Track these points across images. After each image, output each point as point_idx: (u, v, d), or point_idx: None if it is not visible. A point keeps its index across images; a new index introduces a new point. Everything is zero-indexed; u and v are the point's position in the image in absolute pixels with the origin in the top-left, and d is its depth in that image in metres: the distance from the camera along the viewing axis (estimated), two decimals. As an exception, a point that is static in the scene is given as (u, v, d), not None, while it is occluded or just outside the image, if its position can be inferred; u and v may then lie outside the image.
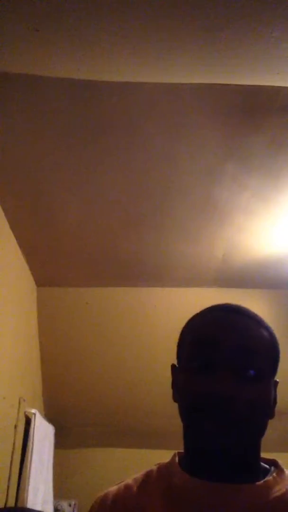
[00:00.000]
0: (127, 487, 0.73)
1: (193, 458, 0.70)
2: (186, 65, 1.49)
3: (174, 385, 0.75)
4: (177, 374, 0.75)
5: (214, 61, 1.46)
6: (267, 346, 0.71)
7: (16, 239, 2.47)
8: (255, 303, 2.98)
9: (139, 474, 0.76)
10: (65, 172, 2.06)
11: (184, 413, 0.69)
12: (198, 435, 0.66)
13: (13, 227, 2.37)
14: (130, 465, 3.07)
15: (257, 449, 0.70)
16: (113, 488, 0.75)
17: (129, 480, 0.75)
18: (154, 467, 0.76)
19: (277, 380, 0.72)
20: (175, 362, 0.77)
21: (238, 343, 0.68)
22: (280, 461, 0.73)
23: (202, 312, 0.76)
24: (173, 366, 0.77)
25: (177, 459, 0.74)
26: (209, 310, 0.75)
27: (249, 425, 0.65)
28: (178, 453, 0.75)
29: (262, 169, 1.99)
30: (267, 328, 0.73)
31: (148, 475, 0.74)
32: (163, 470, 0.74)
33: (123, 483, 0.75)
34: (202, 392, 0.65)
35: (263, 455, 0.72)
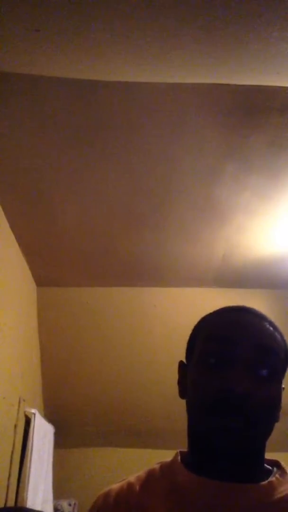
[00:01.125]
0: (130, 485, 0.72)
1: (199, 456, 0.70)
2: (186, 65, 1.49)
3: (182, 381, 0.75)
4: (186, 370, 0.75)
5: (214, 61, 1.46)
6: (280, 348, 0.71)
7: (16, 239, 2.47)
8: (255, 303, 2.97)
9: (141, 472, 0.76)
10: (65, 172, 2.06)
11: (195, 409, 0.69)
12: (209, 431, 0.65)
13: (13, 227, 2.37)
14: (130, 465, 3.07)
15: (262, 449, 0.70)
16: (115, 486, 0.74)
17: (131, 478, 0.74)
18: (157, 466, 0.76)
19: (284, 386, 0.72)
20: (181, 359, 0.77)
21: (254, 342, 0.68)
22: (282, 462, 0.73)
23: (218, 311, 0.76)
24: (181, 362, 0.77)
25: (179, 458, 0.74)
26: (225, 309, 0.76)
27: (261, 424, 0.65)
28: (181, 451, 0.75)
29: (262, 169, 2.00)
30: (280, 333, 0.74)
31: (150, 474, 0.74)
32: (166, 468, 0.74)
33: (125, 481, 0.74)
34: (217, 388, 0.65)
35: (265, 455, 0.72)
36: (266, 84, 1.57)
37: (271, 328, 0.72)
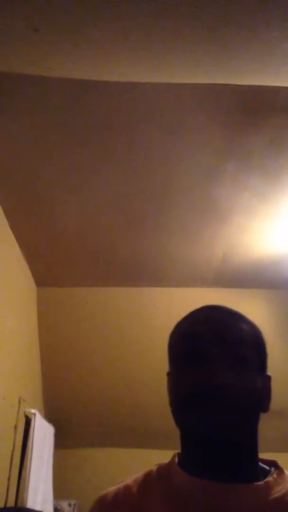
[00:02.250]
0: (127, 488, 0.73)
1: (190, 456, 0.70)
2: (186, 65, 1.49)
3: (169, 390, 0.76)
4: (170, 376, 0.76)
5: (214, 61, 1.46)
6: (249, 338, 0.72)
7: (16, 239, 2.47)
8: (255, 303, 2.98)
9: (139, 474, 0.76)
10: (65, 172, 2.06)
11: (177, 410, 0.70)
12: (191, 428, 0.67)
13: (13, 227, 2.37)
14: (130, 465, 3.07)
15: (252, 445, 0.70)
16: (113, 489, 0.75)
17: (128, 481, 0.75)
18: (154, 468, 0.76)
19: (269, 374, 0.74)
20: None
21: (220, 336, 0.70)
22: (279, 462, 0.73)
23: (188, 315, 0.78)
24: (168, 373, 0.78)
25: (176, 459, 0.74)
26: (191, 312, 0.78)
27: (240, 413, 0.66)
28: (178, 453, 0.75)
29: (262, 169, 2.00)
30: (248, 323, 0.75)
31: (148, 476, 0.74)
32: (163, 470, 0.74)
33: (122, 484, 0.75)
34: (192, 385, 0.67)
35: (264, 455, 0.72)
36: (266, 84, 1.57)
37: (238, 321, 0.74)
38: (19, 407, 2.42)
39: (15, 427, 2.36)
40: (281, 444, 2.75)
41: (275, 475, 0.69)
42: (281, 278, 2.86)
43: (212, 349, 0.68)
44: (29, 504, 2.25)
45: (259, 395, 0.70)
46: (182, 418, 0.69)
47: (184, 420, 0.69)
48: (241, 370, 0.67)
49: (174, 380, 0.72)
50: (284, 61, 1.43)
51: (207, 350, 0.68)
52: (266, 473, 0.70)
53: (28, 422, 2.51)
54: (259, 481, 0.67)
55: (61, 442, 3.11)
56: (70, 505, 3.08)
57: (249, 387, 0.68)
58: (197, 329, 0.73)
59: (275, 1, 1.20)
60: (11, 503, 2.17)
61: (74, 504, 3.11)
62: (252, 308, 3.01)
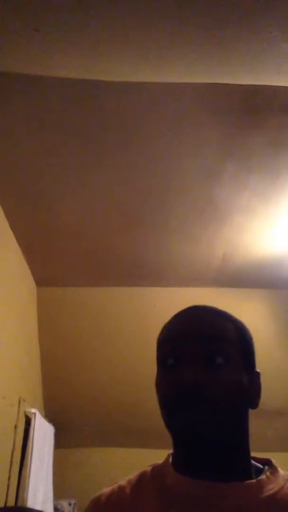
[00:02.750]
0: (121, 488, 0.73)
1: (180, 456, 0.71)
2: (186, 65, 1.49)
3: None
4: None
5: (214, 61, 1.46)
6: (232, 335, 0.72)
7: (16, 239, 2.47)
8: (255, 303, 2.99)
9: (133, 475, 0.76)
10: (65, 172, 2.06)
11: (162, 412, 0.71)
12: (177, 428, 0.67)
13: (13, 227, 2.38)
14: (130, 465, 3.06)
15: (242, 442, 0.70)
16: (107, 490, 0.75)
17: (122, 482, 0.75)
18: (148, 468, 0.77)
19: (258, 371, 0.73)
20: None
21: (199, 333, 0.70)
22: (274, 460, 0.73)
23: (171, 318, 0.78)
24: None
25: (170, 459, 0.74)
26: (176, 314, 0.78)
27: (222, 411, 0.65)
28: (172, 453, 0.75)
29: (262, 169, 2.00)
30: (232, 320, 0.74)
31: (141, 476, 0.75)
32: (157, 470, 0.74)
33: (116, 485, 0.75)
34: (171, 385, 0.67)
35: (264, 455, 0.72)
36: (266, 84, 1.57)
37: (218, 318, 0.73)
38: (19, 407, 2.42)
39: (15, 427, 2.36)
40: (281, 444, 2.75)
41: (268, 473, 0.68)
42: (281, 278, 2.86)
43: (190, 348, 0.68)
44: (29, 504, 2.25)
45: (244, 393, 0.69)
46: (166, 420, 0.69)
47: (168, 422, 0.69)
48: (221, 369, 0.67)
49: (157, 381, 0.73)
50: (284, 61, 1.43)
51: (185, 350, 0.68)
52: (260, 472, 0.70)
53: (28, 422, 2.51)
54: (252, 479, 0.67)
55: (61, 442, 3.11)
56: (70, 504, 3.09)
57: (232, 382, 0.67)
58: (176, 330, 0.73)
59: (275, 1, 1.20)
60: (11, 502, 2.17)
61: (74, 504, 3.11)
62: (252, 308, 3.02)
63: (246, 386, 0.69)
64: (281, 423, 2.89)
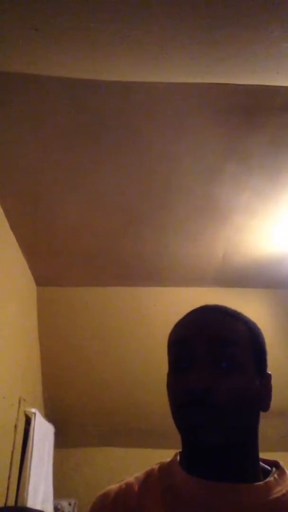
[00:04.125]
0: (128, 486, 0.73)
1: (189, 457, 0.70)
2: (186, 65, 1.49)
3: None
4: None
5: (214, 61, 1.46)
6: (243, 338, 0.70)
7: (16, 239, 2.47)
8: (255, 303, 2.99)
9: (140, 473, 0.76)
10: (65, 172, 2.06)
11: (172, 414, 0.70)
12: (186, 432, 0.67)
13: (13, 227, 2.38)
14: (130, 465, 3.07)
15: (252, 445, 0.70)
16: (114, 487, 0.75)
17: (130, 479, 0.75)
18: (156, 466, 0.76)
19: (269, 373, 0.72)
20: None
21: (209, 337, 0.68)
22: (281, 462, 0.72)
23: (182, 317, 0.77)
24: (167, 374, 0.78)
25: (178, 458, 0.74)
26: (188, 313, 0.77)
27: (230, 415, 0.65)
28: (179, 452, 0.75)
29: (262, 169, 2.00)
30: (244, 322, 0.73)
31: (149, 474, 0.75)
32: (164, 469, 0.74)
33: (124, 482, 0.75)
34: (182, 389, 0.66)
35: (264, 455, 0.72)
36: (266, 84, 1.57)
37: (230, 320, 0.72)
38: (19, 407, 2.42)
39: (15, 426, 2.36)
40: (281, 443, 2.75)
41: (276, 475, 0.68)
42: (281, 278, 2.86)
43: (201, 351, 0.67)
44: (29, 504, 2.25)
45: (256, 395, 0.69)
46: (177, 422, 0.69)
47: (179, 424, 0.69)
48: (231, 373, 0.66)
49: (168, 384, 0.72)
50: (284, 61, 1.43)
51: (194, 354, 0.67)
52: (267, 473, 0.70)
53: (28, 421, 2.51)
54: (260, 481, 0.67)
55: (61, 442, 3.11)
56: (70, 504, 3.08)
57: (242, 387, 0.66)
58: (187, 332, 0.71)
59: (275, 1, 1.20)
60: (11, 502, 2.17)
61: (74, 503, 3.11)
62: (252, 308, 3.02)
63: (257, 390, 0.69)
64: (281, 423, 2.89)
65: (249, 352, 0.70)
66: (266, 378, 0.71)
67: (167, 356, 0.77)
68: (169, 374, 0.73)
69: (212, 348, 0.67)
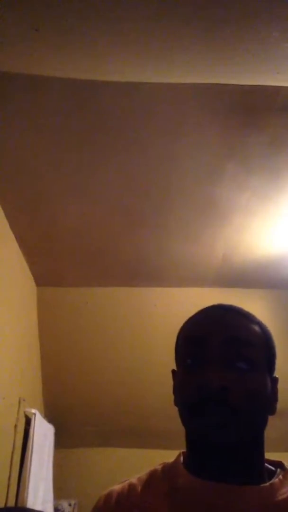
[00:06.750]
0: (131, 486, 0.72)
1: (196, 458, 0.70)
2: (186, 65, 1.49)
3: (174, 389, 0.75)
4: (175, 377, 0.75)
5: (214, 61, 1.46)
6: (258, 339, 0.71)
7: (16, 239, 2.47)
8: (255, 303, 2.98)
9: (143, 473, 0.75)
10: (65, 172, 2.06)
11: (182, 412, 0.69)
12: (197, 431, 0.66)
13: (13, 227, 2.37)
14: (130, 465, 3.07)
15: (259, 446, 0.70)
16: (117, 487, 0.74)
17: (133, 479, 0.74)
18: (159, 467, 0.76)
19: (277, 376, 0.72)
20: (175, 367, 0.77)
21: (226, 336, 0.68)
22: (286, 463, 0.72)
23: (194, 314, 0.77)
24: (173, 371, 0.77)
25: (181, 459, 0.74)
26: (201, 310, 0.76)
27: (245, 416, 0.64)
28: (183, 452, 0.75)
29: (262, 169, 2.00)
30: (258, 324, 0.73)
31: (152, 475, 0.74)
32: (168, 470, 0.74)
33: (127, 482, 0.74)
34: (196, 388, 0.65)
35: (266, 455, 0.72)
36: (266, 84, 1.56)
37: (245, 321, 0.72)
38: (19, 407, 2.42)
39: (15, 427, 2.35)
40: (281, 444, 2.75)
41: (280, 477, 0.68)
42: (281, 278, 2.86)
43: (218, 350, 0.67)
44: (29, 504, 2.25)
45: (267, 399, 0.69)
46: (188, 421, 0.68)
47: (190, 423, 0.68)
48: (247, 374, 0.66)
49: (179, 381, 0.71)
50: (284, 62, 1.42)
51: (211, 353, 0.67)
52: (272, 474, 0.69)
53: (28, 422, 2.51)
54: (265, 482, 0.66)
55: (61, 442, 3.11)
56: (70, 504, 3.08)
57: (257, 389, 0.66)
58: (204, 330, 0.70)
59: (275, 1, 1.20)
60: (11, 503, 2.17)
61: (74, 504, 3.11)
62: (252, 308, 3.00)
63: (269, 392, 0.69)
64: (281, 423, 2.89)
65: (263, 354, 0.70)
66: (274, 382, 0.71)
67: (175, 352, 0.76)
68: (178, 371, 0.72)
69: (229, 348, 0.67)
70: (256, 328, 0.72)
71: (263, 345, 0.71)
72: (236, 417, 0.63)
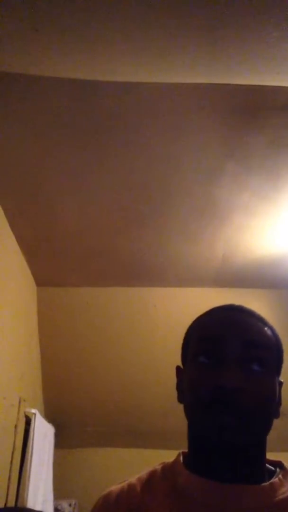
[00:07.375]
0: (131, 486, 0.72)
1: (199, 457, 0.70)
2: (186, 65, 1.49)
3: (179, 386, 0.75)
4: (182, 374, 0.75)
5: (214, 61, 1.46)
6: (271, 343, 0.72)
7: (16, 239, 2.47)
8: (255, 303, 2.98)
9: (143, 473, 0.75)
10: (65, 172, 2.06)
11: (191, 410, 0.69)
12: (207, 430, 0.65)
13: (13, 227, 2.37)
14: (130, 465, 3.07)
15: (262, 448, 0.70)
16: (116, 487, 0.74)
17: (133, 479, 0.74)
18: (158, 467, 0.76)
19: (282, 381, 0.73)
20: (178, 364, 0.77)
21: (243, 339, 0.69)
22: (286, 463, 0.72)
23: (209, 311, 0.77)
24: (177, 368, 0.77)
25: (181, 458, 0.73)
26: (216, 309, 0.77)
27: (257, 418, 0.65)
28: (183, 452, 0.75)
29: (262, 169, 1.99)
30: (270, 328, 0.75)
31: (152, 475, 0.74)
32: (168, 469, 0.74)
33: (126, 482, 0.74)
34: (210, 387, 0.65)
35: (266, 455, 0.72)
36: (266, 84, 1.56)
37: (260, 324, 0.73)
38: (19, 407, 2.42)
39: (15, 427, 2.35)
40: (281, 444, 2.75)
41: (280, 476, 0.68)
42: (281, 278, 2.86)
43: (234, 351, 0.67)
44: (29, 504, 2.25)
45: (276, 401, 0.69)
46: (196, 419, 0.68)
47: (198, 422, 0.68)
48: (260, 376, 0.66)
49: (191, 379, 0.70)
50: (284, 61, 1.42)
51: (227, 353, 0.67)
52: (272, 474, 0.70)
53: (28, 422, 2.51)
54: (265, 482, 0.67)
55: (61, 442, 3.11)
56: (70, 505, 3.08)
57: (269, 392, 0.67)
58: (221, 330, 0.71)
59: (275, 1, 1.20)
60: (11, 503, 2.17)
61: (75, 504, 3.11)
62: (252, 308, 3.01)
63: (278, 395, 0.70)
64: (281, 423, 2.88)
65: (274, 358, 0.71)
66: (280, 385, 0.72)
67: (184, 349, 0.76)
68: (189, 367, 0.72)
69: (246, 349, 0.68)
70: (269, 331, 0.73)
71: (275, 349, 0.72)
72: (247, 419, 0.63)
